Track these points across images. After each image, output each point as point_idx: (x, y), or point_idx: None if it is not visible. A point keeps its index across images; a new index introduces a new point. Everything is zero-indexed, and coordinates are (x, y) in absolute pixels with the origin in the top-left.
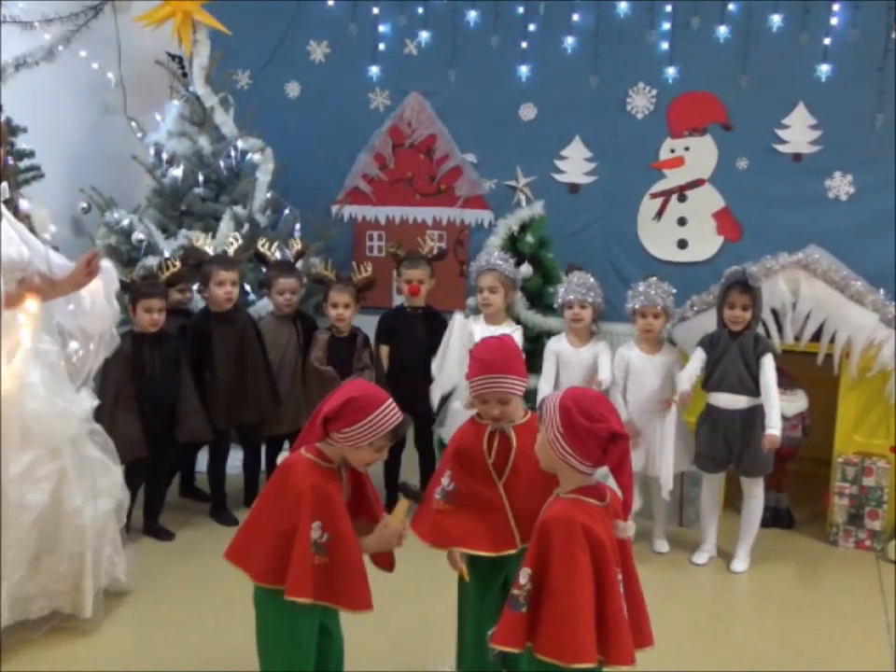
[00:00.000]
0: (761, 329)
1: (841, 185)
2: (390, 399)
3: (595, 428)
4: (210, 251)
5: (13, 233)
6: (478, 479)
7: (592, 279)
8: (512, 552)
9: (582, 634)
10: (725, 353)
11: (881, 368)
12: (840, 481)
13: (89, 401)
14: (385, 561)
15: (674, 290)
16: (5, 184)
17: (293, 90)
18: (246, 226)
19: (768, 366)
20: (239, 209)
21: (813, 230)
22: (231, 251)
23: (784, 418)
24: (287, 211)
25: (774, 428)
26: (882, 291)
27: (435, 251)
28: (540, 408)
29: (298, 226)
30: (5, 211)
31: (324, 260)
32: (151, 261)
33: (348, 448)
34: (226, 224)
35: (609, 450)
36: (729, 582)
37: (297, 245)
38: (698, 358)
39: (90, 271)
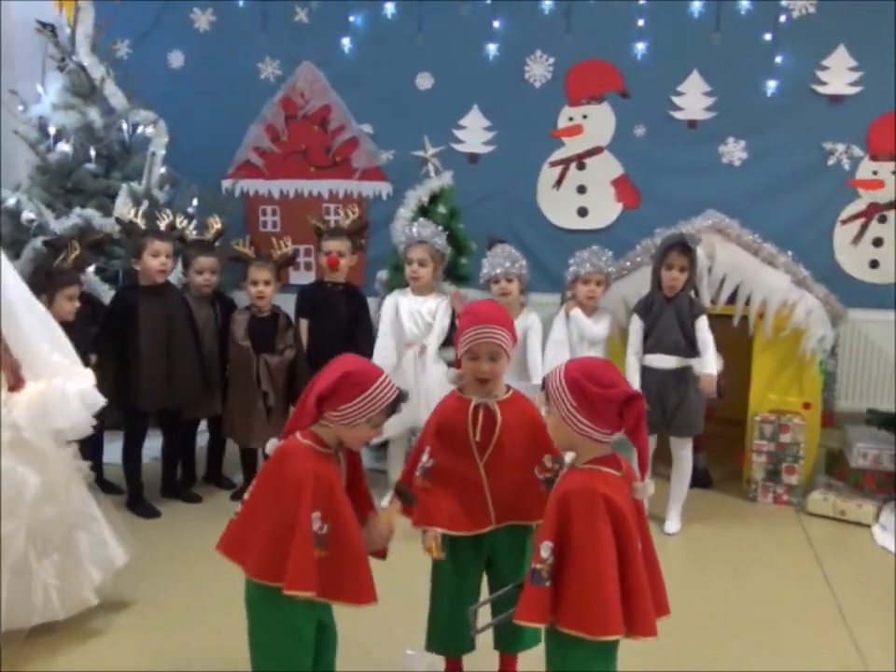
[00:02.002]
0: None
1: (734, 150)
2: (385, 373)
3: (610, 394)
4: (140, 222)
5: None
6: (459, 455)
7: (515, 251)
8: (487, 529)
9: (609, 606)
10: (661, 316)
11: (794, 327)
12: (758, 438)
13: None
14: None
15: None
16: None
17: (176, 59)
18: (145, 203)
19: (705, 326)
20: (135, 185)
21: (709, 195)
22: (163, 225)
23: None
24: (181, 186)
25: (709, 368)
26: (790, 253)
27: (351, 224)
28: (543, 387)
29: (195, 202)
30: None
31: (241, 238)
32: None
33: (344, 427)
34: (122, 201)
35: (624, 413)
36: (665, 544)
37: (216, 224)
38: (638, 329)
39: None
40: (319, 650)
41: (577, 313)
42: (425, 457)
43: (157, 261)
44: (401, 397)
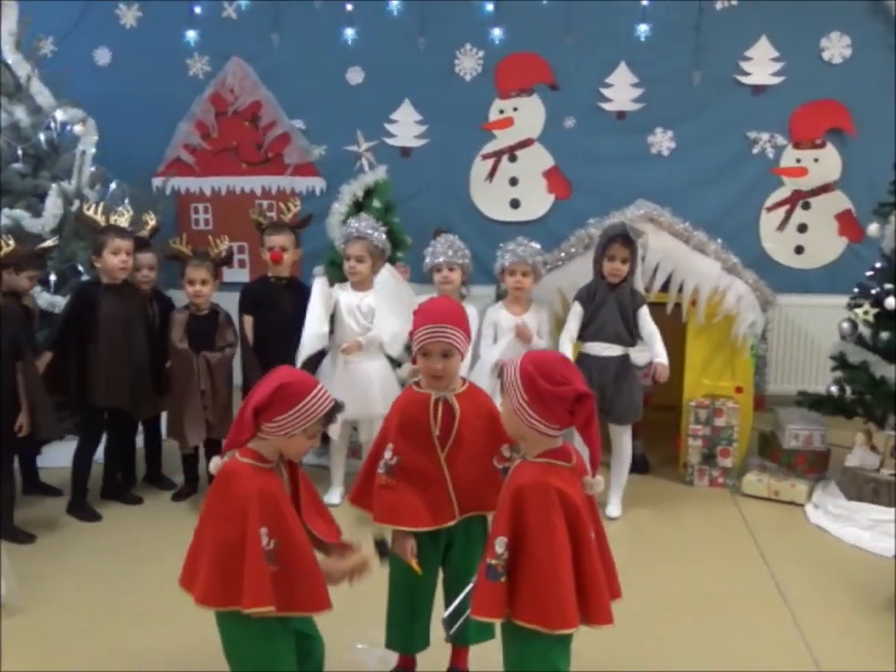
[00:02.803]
0: None
1: (663, 140)
2: (321, 384)
3: (561, 392)
4: (101, 220)
5: None
6: (421, 450)
7: (459, 241)
8: (450, 524)
9: (566, 599)
10: (604, 305)
11: (726, 313)
12: (693, 423)
13: None
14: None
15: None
16: None
17: (103, 56)
18: (76, 202)
19: (647, 317)
20: (65, 184)
21: (638, 184)
22: (123, 221)
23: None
24: (113, 185)
25: (661, 357)
26: (720, 241)
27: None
28: (499, 376)
29: (126, 201)
30: None
31: (174, 237)
32: None
33: (282, 438)
34: (52, 201)
35: (575, 411)
36: (606, 528)
37: (151, 221)
38: (577, 315)
39: None
40: (303, 659)
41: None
42: (388, 454)
43: (117, 259)
44: (337, 407)
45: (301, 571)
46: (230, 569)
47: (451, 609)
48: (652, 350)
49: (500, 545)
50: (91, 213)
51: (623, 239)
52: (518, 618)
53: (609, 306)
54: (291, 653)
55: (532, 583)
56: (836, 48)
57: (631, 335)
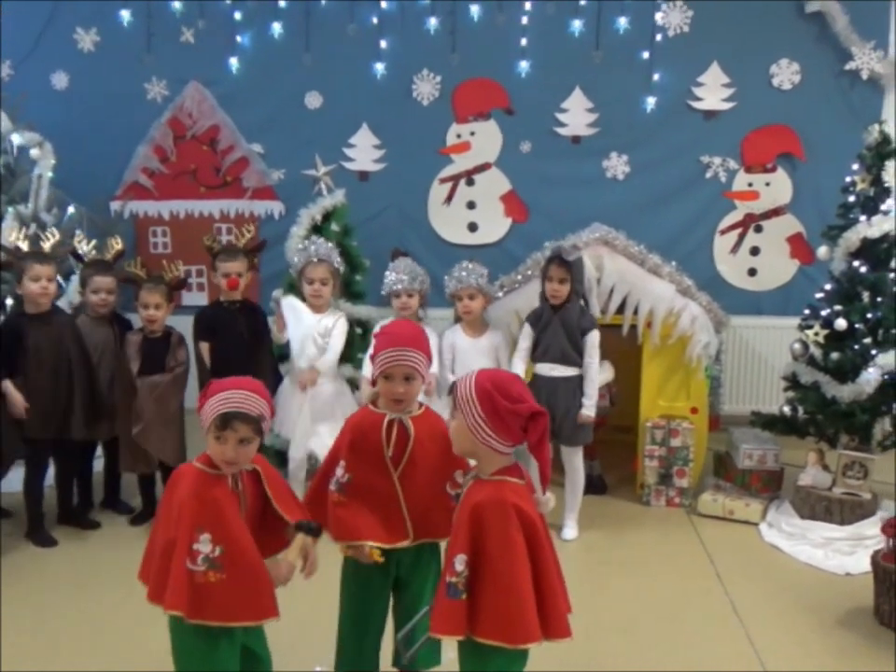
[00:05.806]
0: None
1: (618, 165)
2: (244, 391)
3: (517, 409)
4: (24, 246)
5: None
6: (373, 470)
7: (417, 266)
8: (405, 543)
9: (527, 614)
10: (549, 326)
11: (680, 334)
12: (649, 444)
13: None
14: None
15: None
16: None
17: (60, 80)
18: (33, 226)
19: (591, 344)
20: (22, 208)
21: (594, 208)
22: (47, 246)
23: None
24: (71, 209)
25: (587, 409)
26: (674, 263)
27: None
28: (450, 394)
29: (84, 224)
30: None
31: (132, 260)
32: None
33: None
34: (9, 224)
35: (529, 428)
36: (564, 550)
37: (117, 246)
38: (527, 335)
39: None
40: None
41: None
42: (340, 472)
43: (36, 285)
44: (235, 415)
45: (248, 578)
46: (166, 570)
47: (405, 630)
48: (584, 392)
49: (460, 563)
50: (12, 240)
51: (559, 260)
52: (479, 635)
53: (553, 327)
54: (234, 664)
55: (493, 599)
56: (785, 74)
57: (580, 355)
